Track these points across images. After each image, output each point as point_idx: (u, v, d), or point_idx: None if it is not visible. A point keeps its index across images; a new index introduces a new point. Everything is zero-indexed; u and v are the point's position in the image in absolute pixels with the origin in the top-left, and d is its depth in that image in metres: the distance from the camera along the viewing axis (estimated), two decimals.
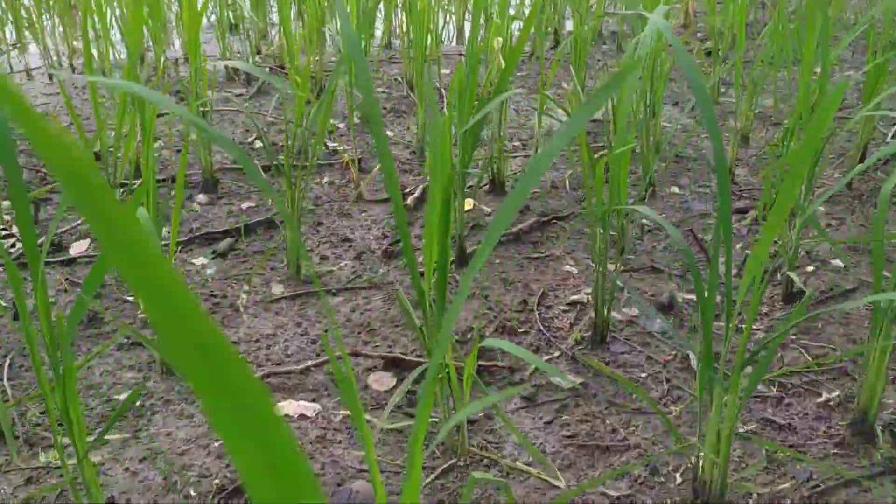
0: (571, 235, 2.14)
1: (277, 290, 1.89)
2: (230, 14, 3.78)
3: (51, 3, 3.73)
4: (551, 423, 1.48)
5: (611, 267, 1.99)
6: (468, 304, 1.83)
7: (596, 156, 2.63)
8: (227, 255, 2.04)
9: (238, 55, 3.49)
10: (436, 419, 1.46)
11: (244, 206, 2.27)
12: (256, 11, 3.67)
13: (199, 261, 2.01)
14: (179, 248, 2.07)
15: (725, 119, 2.99)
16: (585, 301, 1.84)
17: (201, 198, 2.29)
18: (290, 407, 1.51)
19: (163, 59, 3.19)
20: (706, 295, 1.22)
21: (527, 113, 3.05)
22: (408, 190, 2.35)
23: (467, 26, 4.20)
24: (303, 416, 1.49)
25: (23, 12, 3.75)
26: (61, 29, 3.71)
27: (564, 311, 1.80)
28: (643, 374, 1.61)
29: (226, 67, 3.29)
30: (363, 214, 2.24)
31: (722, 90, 3.21)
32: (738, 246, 2.07)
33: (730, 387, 1.21)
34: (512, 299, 1.83)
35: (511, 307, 1.81)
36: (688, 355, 1.66)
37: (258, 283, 1.92)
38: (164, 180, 2.38)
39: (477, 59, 1.75)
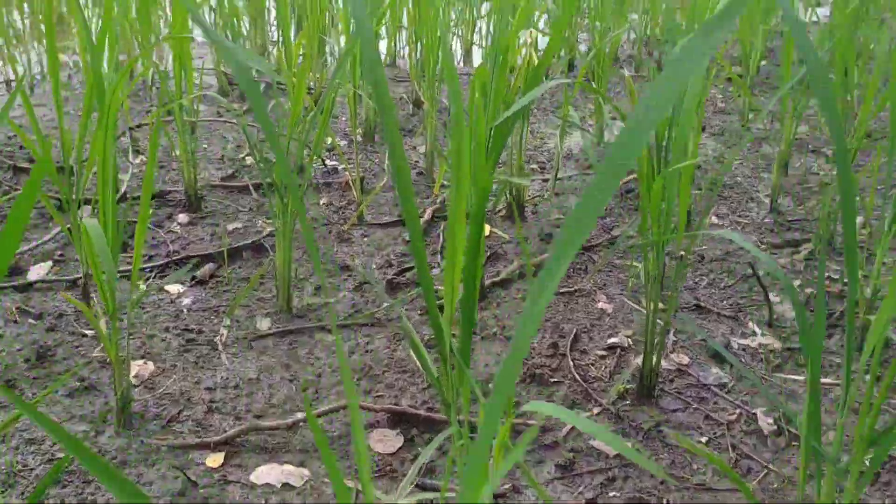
0: (602, 268, 1.84)
1: (264, 325, 1.58)
2: (228, 32, 3.51)
3: (39, 16, 3.45)
4: (595, 502, 1.16)
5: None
6: (489, 346, 1.51)
7: (625, 180, 2.33)
8: (207, 283, 1.73)
9: None
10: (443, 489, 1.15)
11: (230, 227, 1.96)
12: (255, 24, 3.39)
13: (176, 288, 1.70)
14: (154, 273, 1.76)
15: (757, 146, 2.70)
16: (625, 345, 1.53)
17: (182, 217, 1.98)
18: (271, 473, 1.19)
19: (151, 72, 2.91)
20: (812, 344, 0.92)
21: (542, 135, 2.76)
22: None
23: (475, 50, 3.93)
24: (287, 486, 1.17)
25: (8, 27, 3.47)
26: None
27: (602, 357, 1.49)
28: (703, 438, 1.30)
29: (219, 82, 3.00)
30: (365, 239, 1.93)
31: (749, 116, 2.93)
32: (798, 282, 1.77)
33: (849, 468, 0.90)
34: (541, 341, 1.52)
35: (540, 351, 1.50)
36: (754, 415, 1.35)
37: (241, 316, 1.61)
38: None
39: (506, 50, 1.46)
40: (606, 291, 1.74)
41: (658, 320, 1.41)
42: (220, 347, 1.49)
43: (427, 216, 1.98)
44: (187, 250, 1.85)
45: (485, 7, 3.95)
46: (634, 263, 1.84)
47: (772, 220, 2.11)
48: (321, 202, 2.12)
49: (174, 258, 1.80)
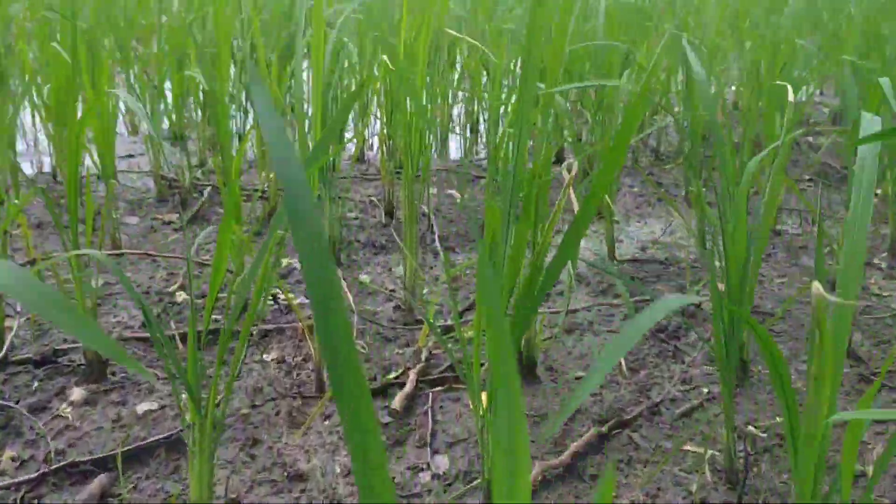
0: (650, 457, 1.29)
1: None
2: (167, 121, 2.98)
3: None
4: None
5: None
6: None
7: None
8: None
9: (181, 170, 2.66)
10: None
11: (141, 408, 1.38)
12: (204, 114, 2.86)
13: None
14: (22, 492, 1.17)
15: (795, 256, 2.20)
16: None
17: (77, 394, 1.40)
18: None
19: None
20: None
21: None
22: (393, 376, 1.48)
23: (451, 138, 3.44)
24: None
25: None
26: None
27: None
28: None
29: (157, 186, 2.45)
30: (327, 423, 1.37)
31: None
32: None
33: None
34: None
35: None
36: None
37: None
38: (33, 363, 1.49)
39: (529, 189, 0.93)
40: (665, 501, 1.19)
41: None
42: None
43: (409, 386, 1.42)
44: (77, 448, 1.27)
45: (461, 94, 3.47)
46: (700, 450, 1.30)
47: (849, 368, 1.59)
48: (269, 358, 1.56)
49: (54, 465, 1.21)
